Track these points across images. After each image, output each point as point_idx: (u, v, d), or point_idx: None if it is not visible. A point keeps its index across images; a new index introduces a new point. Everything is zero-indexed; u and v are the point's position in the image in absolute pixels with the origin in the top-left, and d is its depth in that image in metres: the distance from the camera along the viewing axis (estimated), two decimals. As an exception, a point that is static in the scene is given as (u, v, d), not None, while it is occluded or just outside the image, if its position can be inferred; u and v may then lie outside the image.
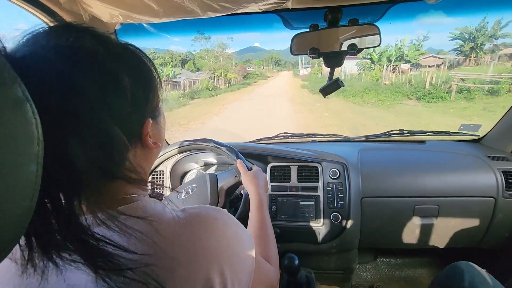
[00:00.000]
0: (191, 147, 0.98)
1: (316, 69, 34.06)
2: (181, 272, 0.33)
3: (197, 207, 0.41)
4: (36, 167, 0.21)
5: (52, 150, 0.26)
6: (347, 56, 0.85)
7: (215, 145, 0.90)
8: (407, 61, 22.93)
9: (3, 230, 0.20)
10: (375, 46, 0.82)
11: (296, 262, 0.82)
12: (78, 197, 0.31)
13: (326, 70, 0.90)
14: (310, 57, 0.89)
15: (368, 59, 23.46)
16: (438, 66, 22.17)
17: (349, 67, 24.62)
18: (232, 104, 15.43)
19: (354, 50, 0.82)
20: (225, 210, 0.44)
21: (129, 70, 0.36)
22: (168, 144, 1.11)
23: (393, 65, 22.24)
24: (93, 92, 0.32)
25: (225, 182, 0.90)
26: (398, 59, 23.28)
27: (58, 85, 0.29)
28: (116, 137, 0.34)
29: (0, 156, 0.19)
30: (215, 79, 30.11)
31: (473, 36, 24.89)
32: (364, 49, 0.84)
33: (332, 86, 0.90)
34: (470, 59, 23.74)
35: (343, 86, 0.89)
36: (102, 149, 0.33)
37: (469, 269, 0.79)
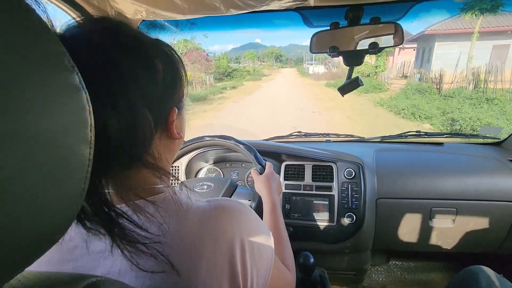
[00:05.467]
0: (210, 143, 0.98)
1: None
2: (206, 258, 0.35)
3: (222, 199, 0.42)
4: (88, 151, 0.22)
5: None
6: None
7: (235, 142, 0.90)
8: None
9: (61, 209, 0.21)
10: (397, 45, 0.81)
11: (311, 260, 0.82)
12: (104, 176, 0.34)
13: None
14: (330, 55, 0.89)
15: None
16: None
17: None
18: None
19: (375, 49, 0.81)
20: (247, 205, 0.45)
21: (162, 58, 0.39)
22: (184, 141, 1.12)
23: None
24: (130, 71, 0.34)
25: (238, 198, 0.89)
26: None
27: (101, 63, 0.32)
28: (144, 118, 0.35)
29: (60, 141, 0.20)
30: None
31: None
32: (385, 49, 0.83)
33: (351, 85, 0.89)
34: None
35: (363, 85, 0.89)
36: (130, 130, 0.34)
37: (484, 274, 0.76)
